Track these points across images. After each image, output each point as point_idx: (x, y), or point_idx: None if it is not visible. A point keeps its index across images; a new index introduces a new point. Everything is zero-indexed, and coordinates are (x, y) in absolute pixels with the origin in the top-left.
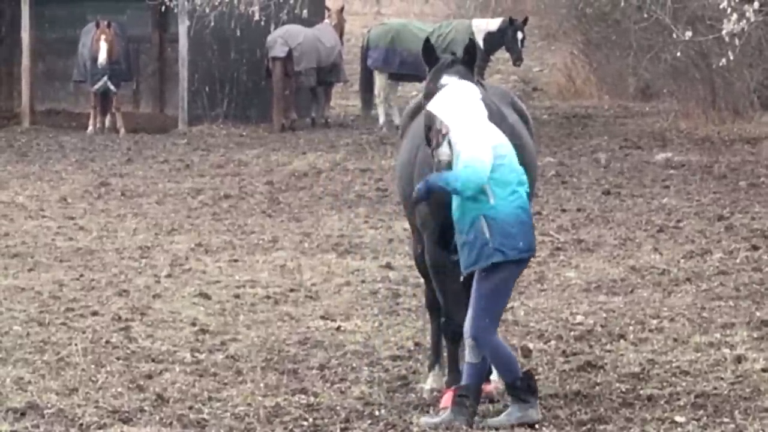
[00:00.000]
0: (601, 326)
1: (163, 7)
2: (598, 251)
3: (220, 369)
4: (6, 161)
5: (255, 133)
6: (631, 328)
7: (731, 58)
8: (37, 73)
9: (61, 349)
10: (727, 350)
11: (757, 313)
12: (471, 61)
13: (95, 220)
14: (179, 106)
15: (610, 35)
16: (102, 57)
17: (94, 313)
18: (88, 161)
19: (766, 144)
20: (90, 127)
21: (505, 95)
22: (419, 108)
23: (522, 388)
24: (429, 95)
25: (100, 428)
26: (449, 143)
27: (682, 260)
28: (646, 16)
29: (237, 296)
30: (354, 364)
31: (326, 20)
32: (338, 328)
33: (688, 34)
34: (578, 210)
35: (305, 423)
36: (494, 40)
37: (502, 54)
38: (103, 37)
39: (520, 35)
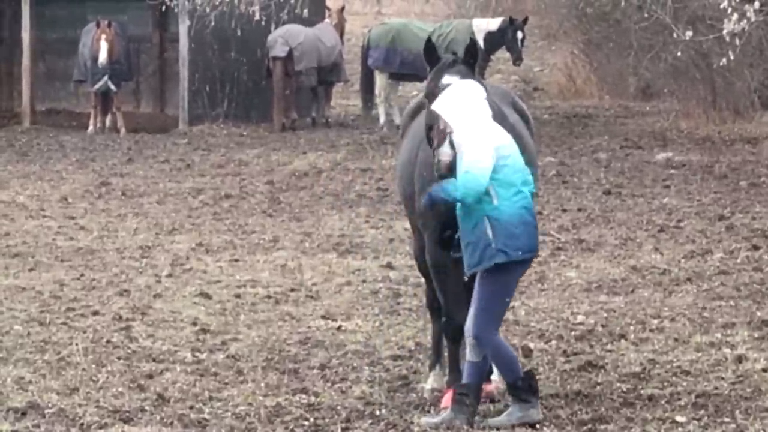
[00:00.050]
0: (602, 326)
1: (164, 7)
2: (599, 251)
3: (220, 369)
4: (6, 161)
5: (255, 133)
6: (631, 327)
7: (732, 57)
8: (38, 73)
9: (62, 349)
10: (727, 350)
11: (758, 313)
12: (472, 61)
13: (96, 220)
14: (180, 105)
15: (610, 35)
16: (102, 57)
17: (95, 313)
18: (89, 161)
19: (767, 144)
20: (90, 127)
21: (506, 95)
22: (420, 108)
23: (523, 388)
24: (430, 95)
25: (100, 428)
26: (451, 143)
27: (683, 260)
28: (646, 15)
29: (238, 296)
30: (355, 364)
31: (327, 20)
32: (339, 328)
33: (689, 33)
34: (579, 210)
35: (306, 423)
36: (494, 39)
37: (502, 54)
38: (103, 36)
39: (520, 35)
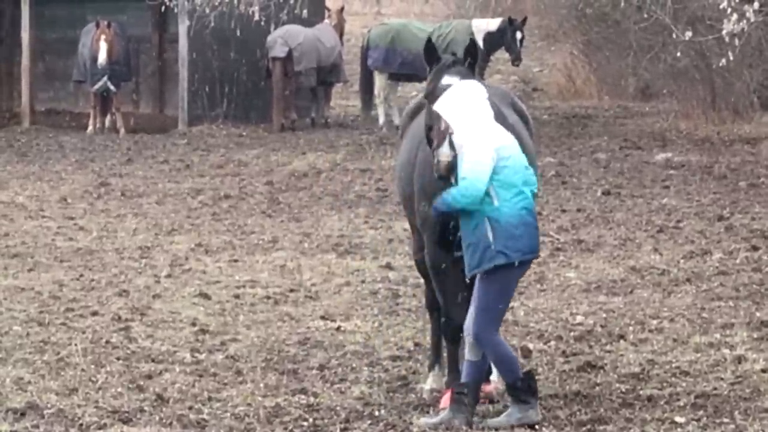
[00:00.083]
0: (601, 326)
1: (163, 7)
2: (598, 251)
3: (220, 369)
4: (6, 161)
5: (255, 134)
6: (630, 328)
7: (731, 58)
8: (37, 73)
9: (61, 349)
10: (726, 351)
11: (757, 314)
12: (472, 62)
13: (95, 220)
14: (179, 106)
15: (610, 35)
16: (102, 57)
17: (94, 313)
18: (88, 161)
19: (766, 144)
20: (90, 127)
21: (506, 96)
22: (419, 108)
23: (522, 388)
24: (430, 95)
25: (100, 428)
26: (450, 144)
27: (682, 260)
28: (646, 16)
29: (237, 296)
30: (354, 365)
31: (326, 20)
32: (338, 329)
33: (688, 34)
34: (578, 210)
35: (305, 423)
36: (494, 40)
37: (502, 54)
38: (103, 37)
39: (519, 35)
